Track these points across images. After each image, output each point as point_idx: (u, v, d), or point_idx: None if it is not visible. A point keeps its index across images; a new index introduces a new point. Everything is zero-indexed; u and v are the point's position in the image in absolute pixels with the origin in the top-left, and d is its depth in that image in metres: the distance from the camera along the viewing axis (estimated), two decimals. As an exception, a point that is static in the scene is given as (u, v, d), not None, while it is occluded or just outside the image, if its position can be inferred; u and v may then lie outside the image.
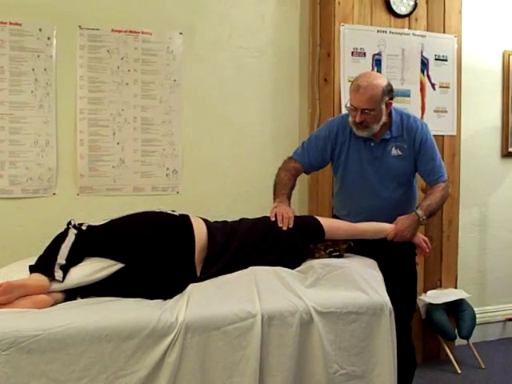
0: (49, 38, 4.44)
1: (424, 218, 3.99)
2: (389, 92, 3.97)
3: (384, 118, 4.01)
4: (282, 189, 4.09)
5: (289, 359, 3.11)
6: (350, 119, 4.01)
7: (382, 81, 3.95)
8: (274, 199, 4.05)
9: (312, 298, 3.25)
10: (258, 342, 3.03)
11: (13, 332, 2.72)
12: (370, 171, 4.11)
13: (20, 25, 4.36)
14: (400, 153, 4.10)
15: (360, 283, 3.43)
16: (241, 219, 3.86)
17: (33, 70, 4.41)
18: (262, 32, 5.02)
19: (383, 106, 3.95)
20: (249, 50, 4.95)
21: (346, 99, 4.77)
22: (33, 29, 4.39)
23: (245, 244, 3.55)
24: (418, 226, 4.01)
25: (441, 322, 5.07)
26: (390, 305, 3.39)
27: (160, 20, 4.72)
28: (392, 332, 3.39)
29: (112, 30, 4.59)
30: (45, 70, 4.44)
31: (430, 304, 5.12)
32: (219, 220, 3.74)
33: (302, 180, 5.08)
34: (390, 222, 3.94)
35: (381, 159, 4.10)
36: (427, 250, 4.05)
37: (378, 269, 3.76)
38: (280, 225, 3.71)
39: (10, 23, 4.34)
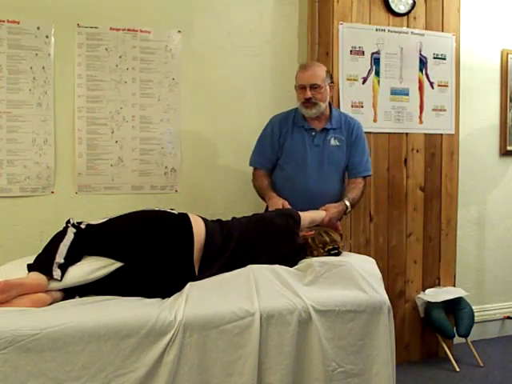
0: (47, 36, 4.43)
1: (350, 209, 4.38)
2: (330, 76, 4.45)
3: (328, 100, 4.42)
4: (268, 189, 4.42)
5: (287, 357, 3.12)
6: (299, 103, 4.36)
7: (323, 65, 4.44)
8: (267, 198, 4.36)
9: (311, 297, 3.26)
10: (256, 340, 3.03)
11: (11, 331, 2.71)
12: (311, 157, 4.39)
13: (18, 23, 4.36)
14: (338, 143, 4.44)
15: (359, 281, 3.44)
16: (233, 218, 3.88)
17: (31, 68, 4.40)
18: (261, 30, 5.02)
19: (327, 87, 4.37)
20: (247, 49, 4.95)
21: (344, 98, 4.82)
22: (31, 27, 4.39)
23: (242, 243, 3.55)
24: (342, 216, 4.35)
25: (439, 320, 5.07)
26: (388, 303, 3.40)
27: (158, 18, 4.72)
28: (391, 330, 3.39)
29: (110, 28, 4.58)
30: (43, 68, 4.43)
31: (429, 302, 5.12)
32: (215, 219, 3.75)
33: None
34: (317, 208, 4.19)
35: (322, 147, 4.41)
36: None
37: (376, 267, 3.77)
38: None
39: (8, 21, 4.33)
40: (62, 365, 2.77)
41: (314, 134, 4.40)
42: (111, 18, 4.59)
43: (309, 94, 4.26)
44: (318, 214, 4.12)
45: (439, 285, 5.31)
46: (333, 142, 4.43)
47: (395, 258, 5.12)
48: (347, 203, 4.33)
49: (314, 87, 4.26)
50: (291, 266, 3.61)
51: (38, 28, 4.40)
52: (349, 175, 4.55)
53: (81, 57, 4.53)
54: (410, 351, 5.22)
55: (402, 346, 5.02)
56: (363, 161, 4.56)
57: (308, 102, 4.29)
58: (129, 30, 4.62)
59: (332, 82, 4.43)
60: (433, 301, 5.10)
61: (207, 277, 3.37)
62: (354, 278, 3.46)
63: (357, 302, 3.33)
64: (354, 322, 3.31)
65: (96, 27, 4.55)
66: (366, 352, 3.32)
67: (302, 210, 3.99)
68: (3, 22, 4.32)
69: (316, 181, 4.37)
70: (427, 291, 5.21)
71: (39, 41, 4.41)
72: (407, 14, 5.07)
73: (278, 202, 4.20)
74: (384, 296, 3.44)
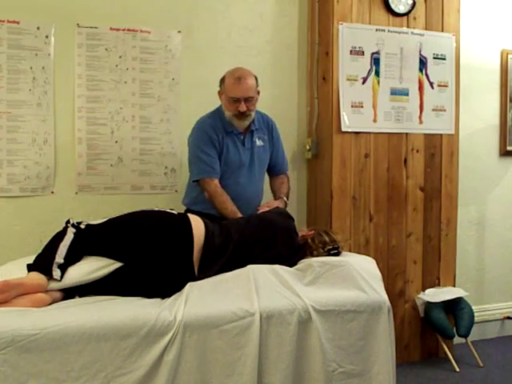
0: (47, 37, 4.43)
1: (287, 203, 4.49)
2: (257, 82, 4.31)
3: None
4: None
5: (287, 357, 3.13)
6: (230, 113, 4.23)
7: (249, 70, 4.30)
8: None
9: (310, 297, 3.27)
10: (256, 340, 3.05)
11: (10, 331, 2.73)
12: (245, 160, 4.35)
13: (18, 23, 4.36)
14: (262, 143, 4.45)
15: (359, 282, 3.45)
16: (232, 219, 3.89)
17: (31, 68, 4.40)
18: (261, 30, 5.02)
19: (257, 95, 4.29)
20: (247, 49, 4.95)
21: (344, 98, 4.83)
22: (31, 27, 4.38)
23: (242, 244, 3.56)
24: None
25: (439, 320, 5.06)
26: (388, 303, 3.41)
27: (158, 18, 4.71)
28: (391, 331, 3.41)
29: (110, 29, 4.58)
30: (43, 68, 4.43)
31: (429, 302, 5.11)
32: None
33: (301, 178, 5.11)
34: (252, 209, 4.26)
35: (251, 150, 4.38)
36: None
37: (376, 267, 3.78)
38: None
39: (8, 21, 4.33)
40: (61, 365, 2.79)
41: (242, 137, 4.34)
42: (111, 18, 4.59)
43: (244, 107, 4.15)
44: None
45: (439, 285, 5.31)
46: (258, 142, 4.41)
47: (395, 258, 5.12)
48: (285, 199, 4.46)
49: (248, 100, 4.17)
50: (291, 266, 3.62)
51: (38, 28, 4.40)
52: (272, 172, 4.60)
53: (81, 57, 4.53)
54: (410, 351, 5.21)
55: (401, 346, 5.02)
56: (284, 157, 4.69)
57: (241, 115, 4.20)
58: (129, 30, 4.62)
59: (258, 86, 4.31)
60: (432, 301, 5.09)
61: (207, 277, 3.38)
62: (354, 278, 3.47)
63: (357, 302, 3.34)
64: (354, 322, 3.32)
65: (96, 27, 4.55)
66: (366, 352, 3.34)
67: (243, 214, 4.08)
68: (3, 22, 4.32)
69: (251, 183, 4.36)
70: (427, 291, 5.20)
71: (39, 41, 4.41)
72: (407, 14, 5.06)
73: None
74: (384, 296, 3.45)
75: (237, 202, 4.19)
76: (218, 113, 4.35)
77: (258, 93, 4.29)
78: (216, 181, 4.23)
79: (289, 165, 4.80)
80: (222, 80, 4.27)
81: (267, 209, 4.14)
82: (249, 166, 4.35)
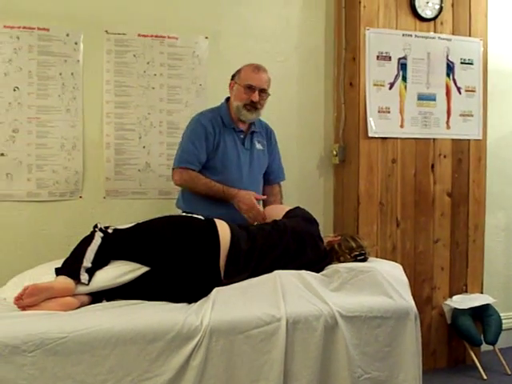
0: (76, 43, 4.47)
1: None
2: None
3: None
4: (221, 184, 4.15)
5: (313, 363, 3.12)
6: (240, 103, 4.19)
7: None
8: (230, 193, 4.12)
9: (337, 302, 3.26)
10: (282, 346, 3.04)
11: (39, 334, 2.75)
12: (244, 160, 4.28)
13: (48, 30, 4.40)
14: (262, 148, 4.40)
15: (385, 288, 3.43)
16: (257, 224, 3.90)
17: (60, 74, 4.44)
18: (287, 36, 5.03)
19: (268, 95, 4.26)
20: (274, 54, 4.95)
21: (371, 103, 4.81)
22: (60, 34, 4.43)
23: (268, 250, 3.55)
24: None
25: (466, 327, 5.03)
26: (415, 309, 3.39)
27: (186, 25, 4.74)
28: (417, 337, 3.39)
29: (138, 35, 4.61)
30: (72, 74, 4.47)
31: (456, 309, 5.08)
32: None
33: (328, 184, 5.11)
34: None
35: (251, 151, 4.33)
36: None
37: (403, 273, 3.76)
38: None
39: (38, 28, 4.37)
40: (89, 368, 2.80)
41: (242, 136, 4.31)
42: (139, 25, 4.62)
43: (257, 97, 4.13)
44: None
45: (466, 291, 5.28)
46: (258, 145, 4.37)
47: (422, 264, 5.10)
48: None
49: (262, 91, 4.16)
50: (317, 272, 3.61)
51: (68, 35, 4.44)
52: (266, 180, 4.52)
53: (109, 63, 4.57)
54: (437, 358, 5.19)
55: (428, 352, 5.00)
56: (281, 166, 4.61)
57: (252, 106, 4.17)
58: (156, 36, 4.65)
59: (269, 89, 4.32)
60: (460, 307, 5.06)
61: (233, 282, 3.38)
62: (381, 284, 3.45)
63: (383, 309, 3.33)
64: (381, 329, 3.31)
65: (124, 34, 4.58)
66: (392, 359, 3.32)
67: (232, 213, 4.00)
68: (33, 29, 4.36)
69: (249, 185, 4.24)
70: (454, 298, 5.17)
71: (68, 47, 4.45)
72: (434, 19, 5.05)
73: (249, 194, 4.08)
74: (411, 302, 3.44)
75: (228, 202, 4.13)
76: (218, 109, 4.35)
77: (268, 95, 4.28)
78: (192, 172, 4.17)
79: (315, 171, 4.80)
80: (238, 71, 4.27)
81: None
82: (249, 167, 4.29)
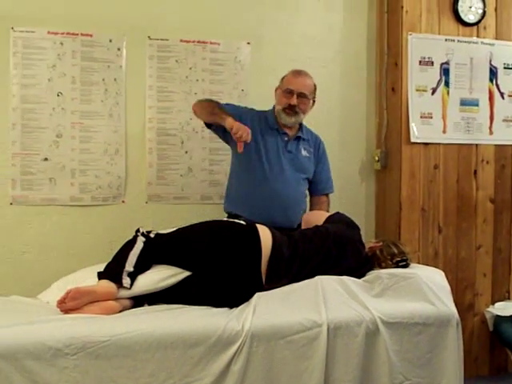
0: (119, 49, 4.51)
1: None
2: (315, 92, 4.30)
3: (306, 115, 4.29)
4: (221, 106, 4.15)
5: (354, 369, 3.11)
6: (279, 106, 4.21)
7: (313, 78, 4.28)
8: (221, 116, 4.00)
9: (378, 308, 3.25)
10: (323, 351, 3.04)
11: (81, 337, 2.77)
12: (285, 162, 4.24)
13: (91, 36, 4.45)
14: (308, 155, 4.36)
15: (427, 294, 3.41)
16: (299, 230, 3.89)
17: (103, 79, 4.48)
18: (329, 41, 5.02)
19: (311, 101, 4.26)
20: (316, 60, 4.94)
21: (413, 108, 4.79)
22: (103, 40, 4.47)
23: (309, 256, 3.54)
24: None
25: (509, 334, 4.98)
26: (457, 316, 3.37)
27: (228, 30, 4.76)
28: (459, 344, 3.36)
29: (181, 41, 4.64)
30: (115, 79, 4.51)
31: (498, 316, 5.03)
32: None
33: (369, 189, 5.09)
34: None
35: (295, 154, 4.30)
36: None
37: (445, 279, 3.73)
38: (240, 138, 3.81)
39: (81, 34, 4.42)
40: (130, 372, 2.82)
41: (286, 139, 4.28)
42: (181, 31, 4.64)
43: (295, 100, 4.13)
44: None
45: (509, 298, 5.23)
46: (303, 152, 4.34)
47: (464, 271, 5.06)
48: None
49: (301, 96, 4.14)
50: (359, 278, 3.60)
51: (110, 41, 4.48)
52: (314, 191, 4.50)
53: (152, 68, 4.60)
54: (479, 366, 5.14)
55: (470, 360, 4.95)
56: (330, 178, 4.56)
57: (290, 109, 4.17)
58: (199, 41, 4.67)
59: (315, 98, 4.30)
60: (502, 315, 5.01)
61: (274, 287, 3.38)
62: (423, 291, 3.43)
63: (425, 315, 3.31)
64: (422, 335, 3.29)
65: (166, 39, 4.61)
66: (433, 365, 3.30)
67: (272, 216, 4.02)
68: (77, 35, 4.41)
69: (290, 187, 4.22)
70: (496, 305, 5.13)
71: (111, 53, 4.50)
72: (477, 23, 5.02)
73: (235, 122, 3.88)
74: (452, 309, 3.41)
75: (272, 202, 4.13)
76: (266, 111, 4.35)
77: (313, 102, 4.29)
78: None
79: (357, 176, 4.79)
80: (282, 77, 4.28)
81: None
82: (292, 170, 4.26)
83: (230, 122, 3.84)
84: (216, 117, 4.05)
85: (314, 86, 4.27)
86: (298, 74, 4.22)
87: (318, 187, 4.49)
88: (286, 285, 3.41)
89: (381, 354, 3.18)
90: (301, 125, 4.36)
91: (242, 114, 4.20)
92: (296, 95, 4.14)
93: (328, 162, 4.55)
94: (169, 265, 3.36)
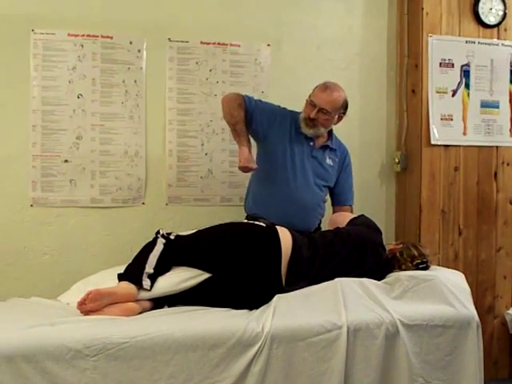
0: (139, 51, 4.52)
1: None
2: (345, 107, 4.26)
3: (330, 128, 4.32)
4: (244, 132, 4.15)
5: (374, 371, 3.12)
6: (302, 115, 4.21)
7: (344, 94, 4.23)
8: (240, 139, 4.10)
9: (398, 311, 3.25)
10: (343, 353, 3.05)
11: (101, 339, 2.79)
12: (308, 167, 4.25)
13: (111, 38, 4.46)
14: (332, 164, 4.35)
15: (447, 296, 3.42)
16: (318, 232, 3.90)
17: (123, 81, 4.49)
18: (350, 43, 5.02)
19: (336, 116, 4.22)
20: (336, 62, 4.95)
21: (434, 110, 4.78)
22: (123, 42, 4.48)
23: (330, 258, 3.55)
24: None
25: (529, 337, 4.98)
26: (477, 318, 3.37)
27: (248, 32, 4.76)
28: (479, 346, 3.36)
29: (201, 43, 4.64)
30: (135, 81, 4.52)
31: (518, 318, 5.03)
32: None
33: (389, 191, 5.08)
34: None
35: (319, 160, 4.30)
36: None
37: (465, 281, 3.73)
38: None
39: (102, 36, 4.44)
40: (150, 373, 2.84)
41: (312, 144, 4.28)
42: (201, 33, 4.64)
43: (314, 114, 4.11)
44: None
45: (530, 301, 5.22)
46: (328, 160, 4.34)
47: (484, 273, 5.05)
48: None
49: (322, 111, 4.11)
50: (379, 280, 3.60)
51: (131, 43, 4.50)
52: (336, 201, 4.49)
53: (172, 70, 4.61)
54: (499, 368, 5.12)
55: (490, 362, 4.94)
56: (352, 190, 4.55)
57: (310, 121, 4.15)
58: (219, 43, 4.67)
59: (344, 113, 4.26)
60: (523, 317, 5.01)
61: (294, 289, 3.39)
62: (443, 293, 3.43)
63: (445, 317, 3.31)
64: (442, 337, 3.29)
65: (187, 41, 4.62)
66: (453, 368, 3.30)
67: (291, 219, 3.96)
68: (97, 37, 4.43)
69: (310, 192, 4.23)
70: (517, 307, 5.12)
71: (131, 55, 4.51)
72: (498, 25, 5.00)
73: (246, 155, 4.01)
74: (473, 311, 3.41)
75: (291, 204, 4.13)
76: (298, 113, 4.29)
77: (339, 118, 4.25)
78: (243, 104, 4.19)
79: (377, 179, 4.79)
80: (315, 87, 4.24)
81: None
82: (314, 176, 4.26)
83: (242, 154, 4.00)
84: (235, 134, 4.14)
85: (344, 100, 4.22)
86: (325, 88, 4.17)
87: (341, 197, 4.48)
88: (306, 286, 3.41)
89: (400, 356, 3.18)
90: (330, 134, 4.37)
91: (271, 114, 4.26)
92: (317, 109, 4.12)
93: (352, 175, 4.54)
94: (189, 266, 3.37)
